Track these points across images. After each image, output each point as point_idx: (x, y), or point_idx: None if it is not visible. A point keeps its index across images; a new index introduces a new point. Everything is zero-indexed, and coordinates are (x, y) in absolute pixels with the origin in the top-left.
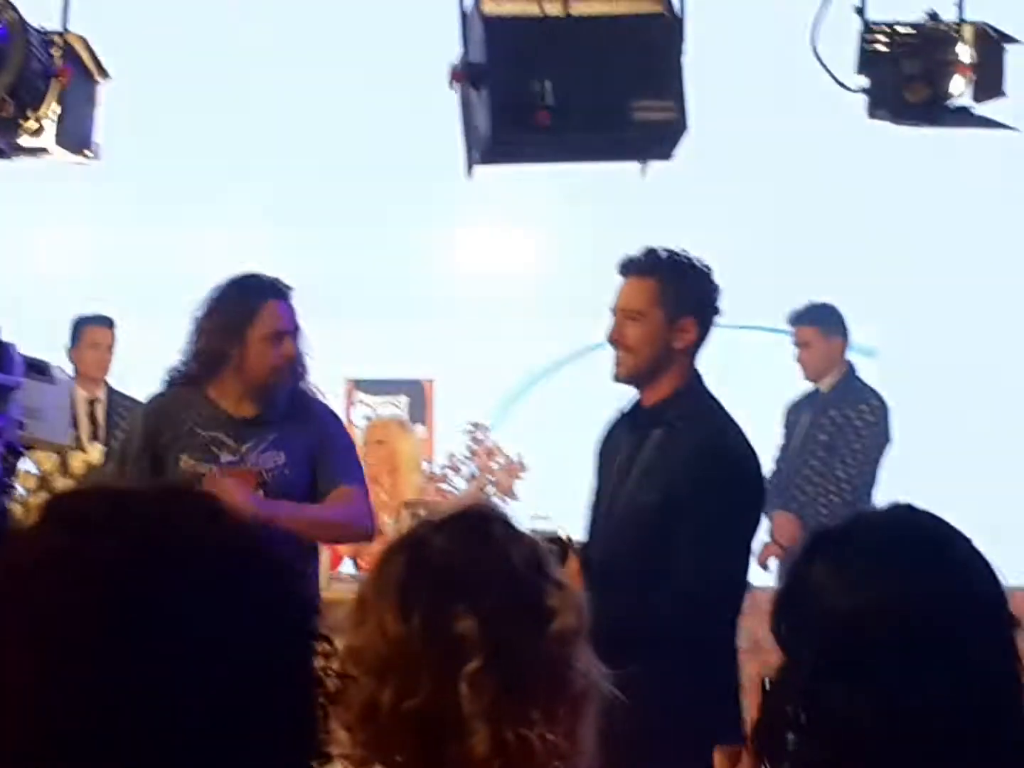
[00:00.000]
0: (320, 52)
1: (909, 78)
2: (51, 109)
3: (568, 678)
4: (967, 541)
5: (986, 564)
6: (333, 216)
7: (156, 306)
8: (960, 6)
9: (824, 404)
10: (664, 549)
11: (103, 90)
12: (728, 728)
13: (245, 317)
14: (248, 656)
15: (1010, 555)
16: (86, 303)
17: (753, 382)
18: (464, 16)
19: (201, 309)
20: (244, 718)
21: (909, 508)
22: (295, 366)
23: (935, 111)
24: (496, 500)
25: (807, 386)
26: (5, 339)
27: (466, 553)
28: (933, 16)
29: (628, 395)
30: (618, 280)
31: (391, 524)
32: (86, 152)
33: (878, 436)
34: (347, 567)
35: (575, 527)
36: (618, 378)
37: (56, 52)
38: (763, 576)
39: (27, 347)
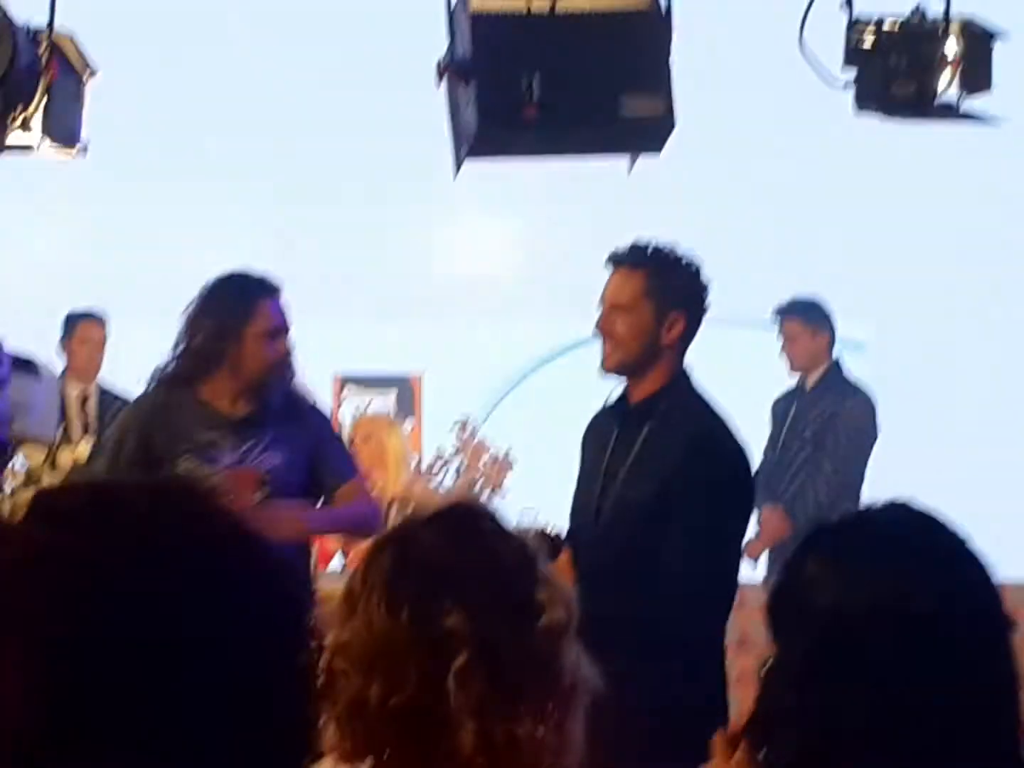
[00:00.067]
0: (307, 49)
1: (896, 73)
2: (38, 105)
3: (556, 674)
4: (964, 540)
5: (982, 564)
6: (321, 213)
7: (143, 304)
8: (947, 1)
9: (810, 399)
10: (654, 545)
11: (90, 86)
12: (716, 725)
13: (241, 315)
14: (237, 654)
15: (999, 549)
16: (71, 300)
17: (741, 377)
18: (451, 11)
19: (193, 308)
20: (233, 717)
21: (907, 506)
22: (288, 364)
23: (922, 106)
24: (484, 496)
25: (793, 381)
26: None
27: (454, 549)
28: (920, 11)
29: (616, 390)
30: (607, 272)
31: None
32: (73, 148)
33: (865, 431)
34: (335, 562)
35: (563, 522)
36: (606, 370)
37: (43, 48)
38: (751, 571)
39: (14, 343)
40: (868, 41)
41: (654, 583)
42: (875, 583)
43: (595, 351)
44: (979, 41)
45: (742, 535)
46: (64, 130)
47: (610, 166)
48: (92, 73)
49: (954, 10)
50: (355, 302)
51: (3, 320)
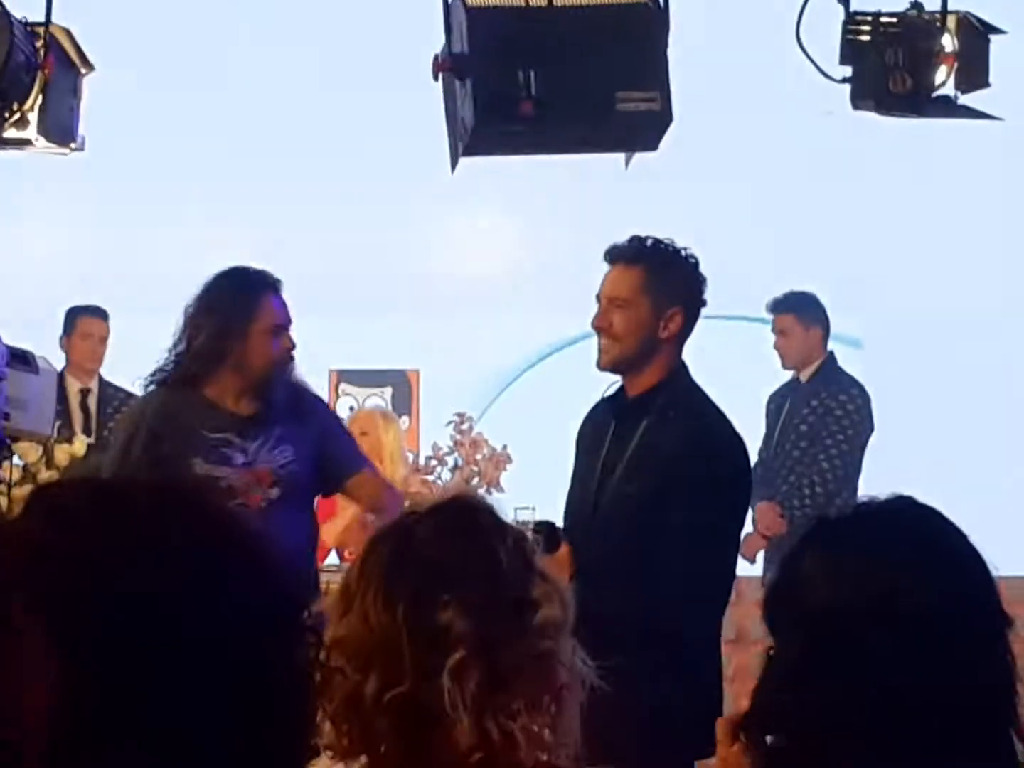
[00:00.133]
0: (305, 44)
1: (893, 68)
2: (35, 101)
3: (552, 670)
4: (963, 537)
5: (980, 561)
6: (318, 209)
7: (139, 302)
8: None
9: (804, 394)
10: (651, 541)
11: (87, 82)
12: (712, 720)
13: (244, 313)
14: (234, 651)
15: (996, 545)
16: (71, 295)
17: (737, 371)
18: (447, 6)
19: (194, 306)
20: (233, 716)
21: (907, 502)
22: (292, 359)
23: (919, 101)
24: (481, 491)
25: (788, 376)
26: None
27: (451, 544)
28: (917, 6)
29: (613, 384)
30: (604, 267)
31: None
32: (70, 144)
33: (860, 425)
34: (331, 558)
35: (560, 517)
36: (603, 366)
37: (40, 44)
38: (747, 567)
39: (13, 337)
40: (865, 36)
41: (651, 578)
42: (873, 579)
43: (592, 347)
44: (976, 36)
45: (739, 530)
46: (61, 125)
47: (607, 161)
48: (89, 68)
49: (951, 5)
50: (352, 298)
51: (3, 315)
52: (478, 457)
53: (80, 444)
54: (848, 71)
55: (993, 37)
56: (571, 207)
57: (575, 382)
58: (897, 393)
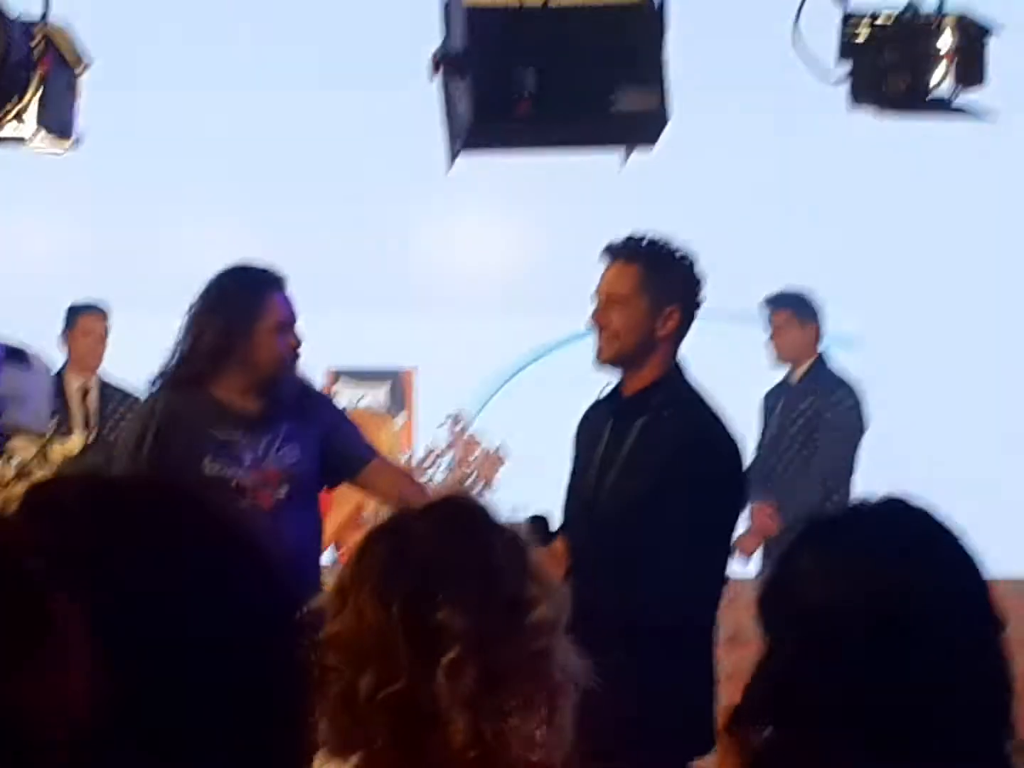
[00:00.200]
0: (303, 42)
1: (890, 68)
2: (32, 98)
3: (547, 669)
4: (957, 538)
5: (975, 560)
6: (315, 206)
7: (138, 299)
8: None
9: (796, 393)
10: (647, 538)
11: (83, 79)
12: (707, 718)
13: (252, 310)
14: (234, 651)
15: (992, 545)
16: (71, 292)
17: (732, 371)
18: (445, 5)
19: (198, 304)
20: (233, 716)
21: (901, 502)
22: (298, 356)
23: (916, 101)
24: (476, 490)
25: (783, 374)
26: None
27: (446, 543)
28: (914, 5)
29: (609, 383)
30: (602, 265)
31: (370, 514)
32: (68, 141)
33: (853, 424)
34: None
35: (556, 516)
36: (600, 362)
37: (37, 41)
38: (742, 567)
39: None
40: (862, 35)
41: (646, 575)
42: (866, 578)
43: (588, 345)
44: (973, 35)
45: (733, 528)
46: (58, 123)
47: (604, 160)
48: (86, 66)
49: (948, 4)
50: (348, 295)
51: (2, 312)
52: (473, 456)
53: (75, 441)
54: (846, 70)
55: (989, 36)
56: (567, 206)
57: (571, 381)
58: (890, 392)
